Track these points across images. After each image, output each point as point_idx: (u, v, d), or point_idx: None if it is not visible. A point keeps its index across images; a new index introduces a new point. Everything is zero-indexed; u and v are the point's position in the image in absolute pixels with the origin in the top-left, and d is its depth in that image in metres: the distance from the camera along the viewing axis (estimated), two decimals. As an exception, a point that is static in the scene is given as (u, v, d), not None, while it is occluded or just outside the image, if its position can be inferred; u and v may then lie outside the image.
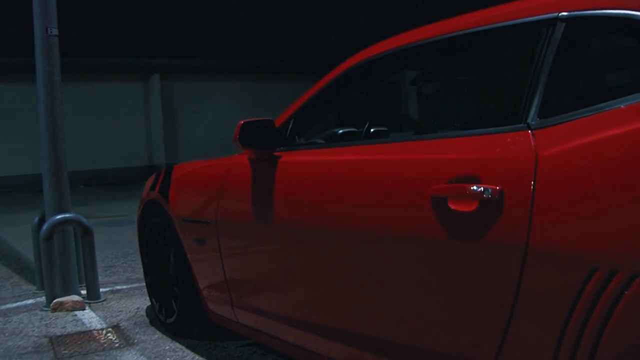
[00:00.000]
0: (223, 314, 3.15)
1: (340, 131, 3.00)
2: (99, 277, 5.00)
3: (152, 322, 3.93)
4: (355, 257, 2.25)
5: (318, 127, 2.92)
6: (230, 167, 2.96)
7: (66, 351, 3.46)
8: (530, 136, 1.72)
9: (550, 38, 1.80)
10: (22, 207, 11.96)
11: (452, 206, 1.81)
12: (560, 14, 1.81)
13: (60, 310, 4.31)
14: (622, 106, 1.56)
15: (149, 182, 3.84)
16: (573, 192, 1.56)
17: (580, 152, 1.58)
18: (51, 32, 4.58)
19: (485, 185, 1.74)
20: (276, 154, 2.66)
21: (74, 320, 4.10)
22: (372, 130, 2.91)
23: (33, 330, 3.89)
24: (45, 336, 3.76)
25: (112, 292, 4.85)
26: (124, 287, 5.00)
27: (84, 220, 4.66)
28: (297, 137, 2.75)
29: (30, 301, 4.67)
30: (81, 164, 17.07)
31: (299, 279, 2.57)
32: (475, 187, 1.76)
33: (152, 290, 3.90)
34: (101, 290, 4.73)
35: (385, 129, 3.01)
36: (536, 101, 1.77)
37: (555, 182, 1.60)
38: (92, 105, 18.76)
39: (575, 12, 1.79)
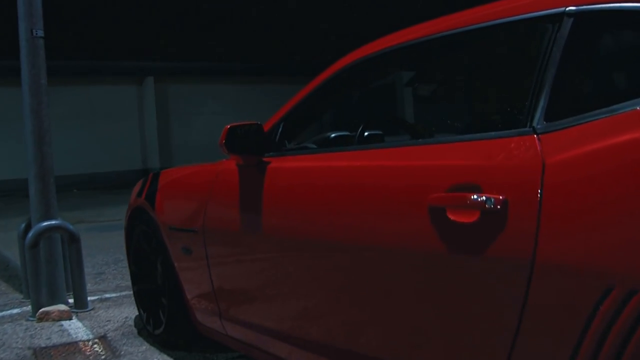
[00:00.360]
0: (211, 326, 3.02)
1: (333, 135, 2.87)
2: (88, 285, 4.88)
3: (140, 333, 3.80)
4: (349, 269, 2.11)
5: (309, 131, 2.79)
6: (217, 174, 2.83)
7: (49, 364, 3.34)
8: (536, 141, 1.58)
9: (557, 34, 1.66)
10: (14, 212, 11.80)
11: (451, 217, 1.68)
12: (567, 9, 1.67)
13: (46, 320, 4.17)
14: (637, 108, 1.42)
15: (136, 188, 3.71)
16: (584, 202, 1.43)
17: (592, 158, 1.45)
18: (36, 33, 4.45)
19: (488, 195, 1.60)
20: (265, 159, 2.53)
21: (60, 330, 3.96)
22: (366, 134, 2.77)
23: (17, 342, 3.75)
24: (29, 348, 3.63)
25: (101, 300, 4.71)
26: (113, 295, 4.87)
27: (71, 227, 4.51)
28: (287, 142, 2.62)
29: (16, 310, 4.54)
30: (75, 167, 16.96)
31: (289, 292, 2.44)
32: (476, 197, 1.62)
33: (140, 299, 3.77)
34: (89, 298, 4.60)
35: (380, 132, 2.88)
36: (542, 103, 1.62)
37: (564, 191, 1.47)
38: (86, 108, 18.62)
39: (584, 7, 1.65)
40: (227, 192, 2.71)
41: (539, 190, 1.50)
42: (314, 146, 2.77)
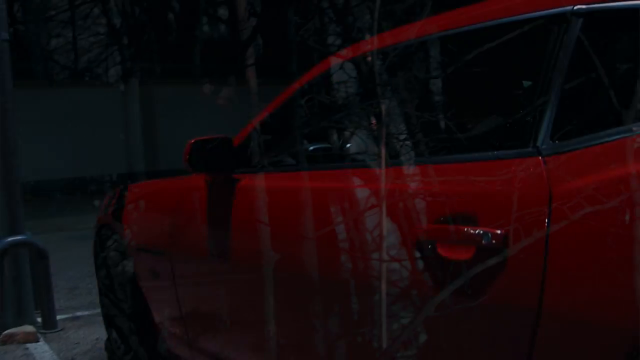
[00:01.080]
0: (181, 355, 2.77)
1: (311, 148, 2.61)
2: (60, 301, 4.64)
3: (110, 358, 3.53)
4: (328, 300, 1.87)
5: (285, 143, 2.53)
6: (185, 190, 2.58)
7: (8, 396, 3.08)
8: (542, 164, 1.33)
9: (564, 38, 1.42)
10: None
11: (442, 253, 1.43)
12: (575, 8, 1.43)
13: (11, 343, 3.91)
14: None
15: (104, 203, 3.45)
16: (601, 238, 1.19)
17: (608, 186, 1.20)
18: (0, 36, 4.20)
19: (484, 228, 1.35)
20: (235, 176, 2.28)
21: (24, 355, 3.70)
22: (348, 146, 2.52)
23: (-24, 369, 3.50)
24: (-11, 376, 3.38)
25: (72, 319, 4.45)
26: (86, 313, 4.60)
27: (39, 242, 4.26)
28: (260, 157, 2.37)
29: (-20, 332, 4.27)
30: (58, 171, 16.64)
31: (261, 321, 2.19)
32: (470, 230, 1.38)
33: (109, 323, 3.51)
34: (60, 317, 4.35)
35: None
36: (547, 119, 1.38)
37: (576, 225, 1.22)
38: (69, 110, 18.27)
39: (595, 5, 1.41)
40: (195, 212, 2.47)
41: (546, 224, 1.26)
42: (291, 160, 2.52)
